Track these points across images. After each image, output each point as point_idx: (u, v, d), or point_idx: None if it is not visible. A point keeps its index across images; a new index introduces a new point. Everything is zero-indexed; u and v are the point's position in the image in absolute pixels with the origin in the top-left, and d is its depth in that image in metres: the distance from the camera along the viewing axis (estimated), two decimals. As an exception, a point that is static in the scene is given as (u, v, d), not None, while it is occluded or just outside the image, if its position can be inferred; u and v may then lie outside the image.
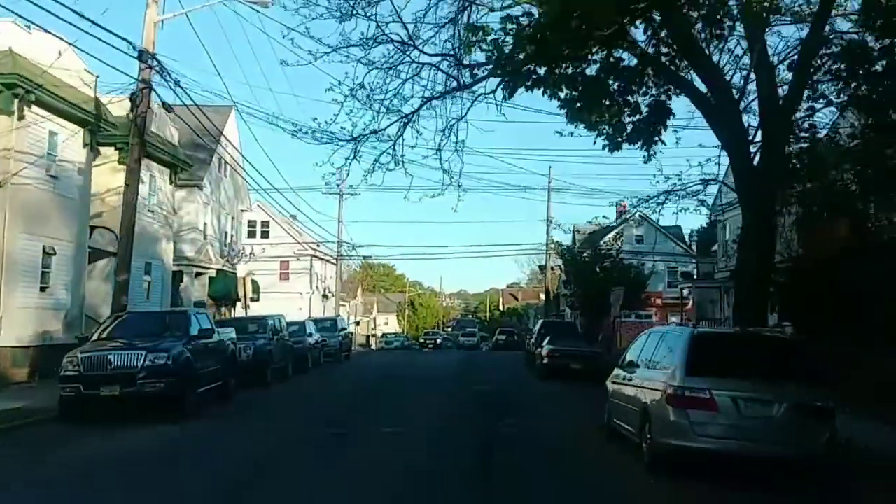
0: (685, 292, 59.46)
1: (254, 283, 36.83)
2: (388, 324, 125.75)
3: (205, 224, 37.72)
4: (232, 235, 41.33)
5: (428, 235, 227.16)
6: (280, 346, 25.78)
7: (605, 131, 17.11)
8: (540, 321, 36.22)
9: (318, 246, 60.55)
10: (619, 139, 17.12)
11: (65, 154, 23.87)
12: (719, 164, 18.43)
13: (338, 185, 58.11)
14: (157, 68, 20.55)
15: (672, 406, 10.36)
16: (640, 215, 63.00)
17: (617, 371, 13.74)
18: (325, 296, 65.27)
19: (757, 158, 16.39)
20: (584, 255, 40.57)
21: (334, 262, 59.96)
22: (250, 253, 43.53)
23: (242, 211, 43.39)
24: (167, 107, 23.34)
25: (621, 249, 38.88)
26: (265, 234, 60.92)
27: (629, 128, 17.14)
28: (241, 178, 41.54)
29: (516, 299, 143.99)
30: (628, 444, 12.05)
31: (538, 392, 23.46)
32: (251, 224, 61.08)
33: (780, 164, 16.43)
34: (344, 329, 38.09)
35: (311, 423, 15.63)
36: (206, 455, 12.20)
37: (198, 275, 36.73)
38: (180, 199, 35.97)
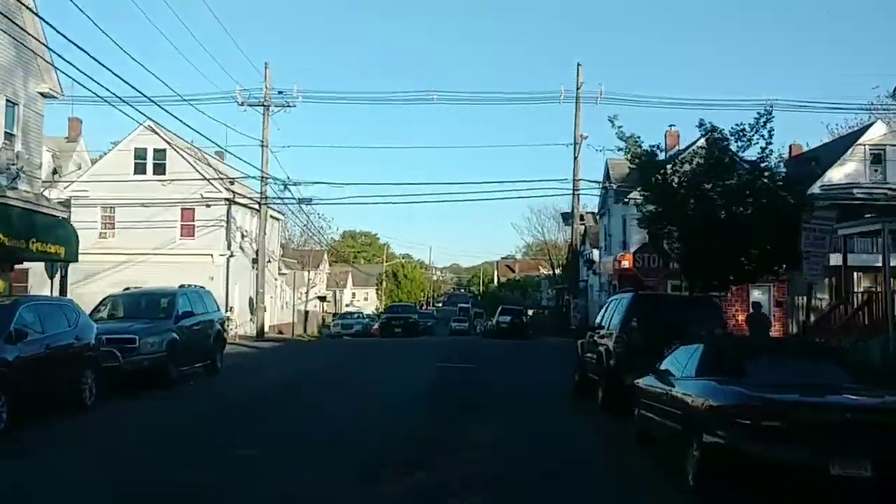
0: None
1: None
2: (368, 299, 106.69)
3: None
4: (10, 136, 21.15)
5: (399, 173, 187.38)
6: None
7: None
8: (623, 297, 14.80)
9: (232, 184, 40.34)
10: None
11: None
12: None
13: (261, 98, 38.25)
14: None
15: None
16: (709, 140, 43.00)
17: None
18: (256, 260, 45.34)
19: None
20: (687, 159, 20.11)
21: (260, 206, 39.76)
22: (53, 172, 23.12)
23: (43, 95, 23.15)
24: None
25: (769, 145, 18.66)
26: (159, 169, 40.73)
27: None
28: (31, 38, 21.22)
29: (512, 271, 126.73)
30: None
31: None
32: (139, 154, 40.86)
33: None
34: (189, 315, 17.84)
35: None
36: None
37: None
38: None
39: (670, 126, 43.51)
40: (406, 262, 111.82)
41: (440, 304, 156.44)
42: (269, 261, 47.33)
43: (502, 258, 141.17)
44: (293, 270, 62.38)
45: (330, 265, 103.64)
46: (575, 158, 36.26)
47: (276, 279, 52.04)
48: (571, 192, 36.24)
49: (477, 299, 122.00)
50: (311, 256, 67.66)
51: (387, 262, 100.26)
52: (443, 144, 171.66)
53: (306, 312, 59.44)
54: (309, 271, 67.47)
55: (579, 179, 36.32)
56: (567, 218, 37.03)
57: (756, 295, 40.13)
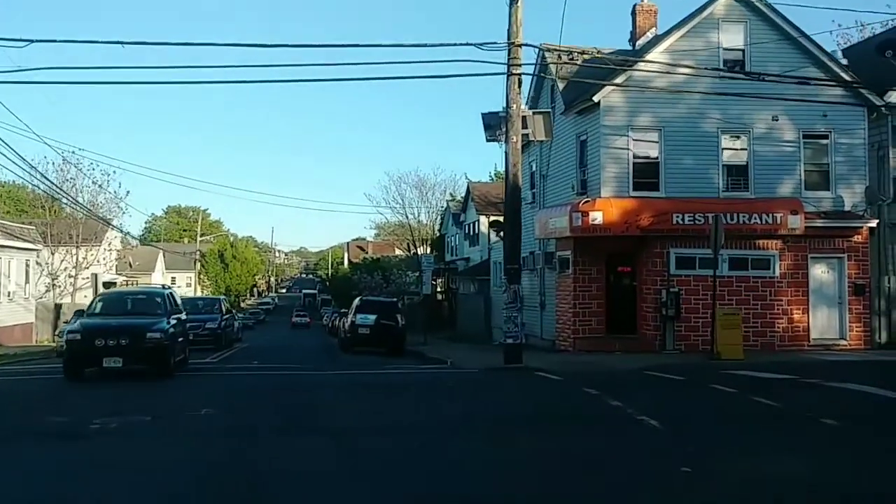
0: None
1: None
2: (190, 285, 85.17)
3: None
4: None
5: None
6: None
7: None
8: None
9: None
10: None
11: None
12: None
13: None
14: None
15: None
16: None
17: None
18: None
19: None
20: None
21: None
22: None
23: None
24: None
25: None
26: None
27: None
28: None
29: (364, 251, 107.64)
30: None
31: None
32: None
33: None
34: None
35: None
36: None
37: None
38: None
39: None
40: (237, 241, 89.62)
41: (283, 290, 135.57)
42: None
43: (353, 240, 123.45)
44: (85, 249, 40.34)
45: (141, 244, 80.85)
46: (512, 3, 17.35)
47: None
48: (505, 69, 17.26)
49: (325, 284, 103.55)
50: (83, 227, 45.59)
51: (203, 236, 77.75)
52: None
53: (58, 307, 37.50)
54: (78, 248, 45.47)
55: (520, 45, 17.37)
56: (495, 125, 17.89)
57: (817, 273, 22.82)
